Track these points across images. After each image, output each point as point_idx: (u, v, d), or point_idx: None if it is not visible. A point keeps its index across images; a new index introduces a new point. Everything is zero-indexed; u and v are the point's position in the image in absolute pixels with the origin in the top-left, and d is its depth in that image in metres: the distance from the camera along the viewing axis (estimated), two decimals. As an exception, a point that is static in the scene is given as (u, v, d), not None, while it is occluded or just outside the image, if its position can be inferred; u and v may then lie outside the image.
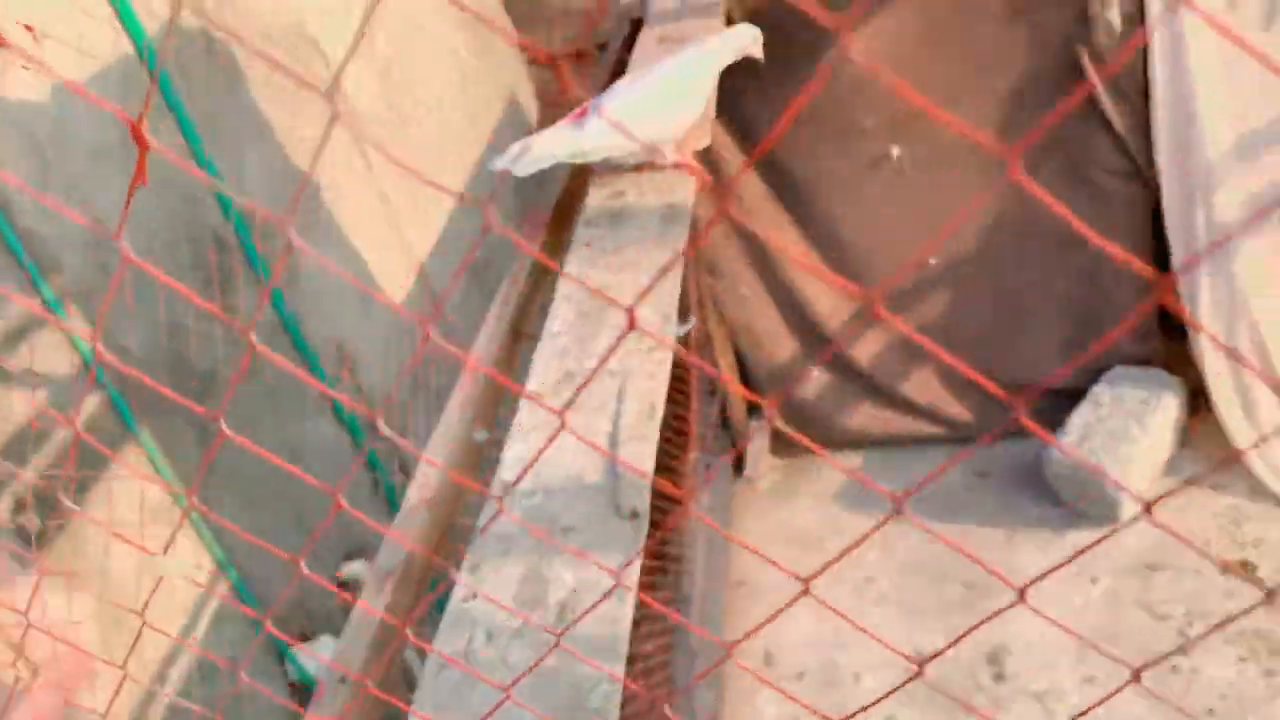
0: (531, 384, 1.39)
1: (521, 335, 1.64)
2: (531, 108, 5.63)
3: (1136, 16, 2.52)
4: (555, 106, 5.68)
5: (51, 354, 2.63)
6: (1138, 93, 2.60)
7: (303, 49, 3.69)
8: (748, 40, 1.97)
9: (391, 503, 3.70)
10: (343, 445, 3.70)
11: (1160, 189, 2.66)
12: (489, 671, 1.03)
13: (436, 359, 4.12)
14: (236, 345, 3.05)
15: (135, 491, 2.69)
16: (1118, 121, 2.64)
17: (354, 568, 3.08)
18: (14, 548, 2.42)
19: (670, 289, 1.53)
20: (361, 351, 3.78)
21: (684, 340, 2.11)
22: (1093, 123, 2.68)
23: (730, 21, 2.56)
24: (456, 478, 1.33)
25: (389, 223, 4.16)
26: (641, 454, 1.23)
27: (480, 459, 1.47)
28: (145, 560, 2.67)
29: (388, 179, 4.14)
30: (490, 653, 1.04)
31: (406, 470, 3.74)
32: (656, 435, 1.25)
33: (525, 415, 1.33)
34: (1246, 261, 2.62)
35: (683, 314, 2.66)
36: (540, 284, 1.76)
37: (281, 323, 3.40)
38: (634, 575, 1.08)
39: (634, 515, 1.15)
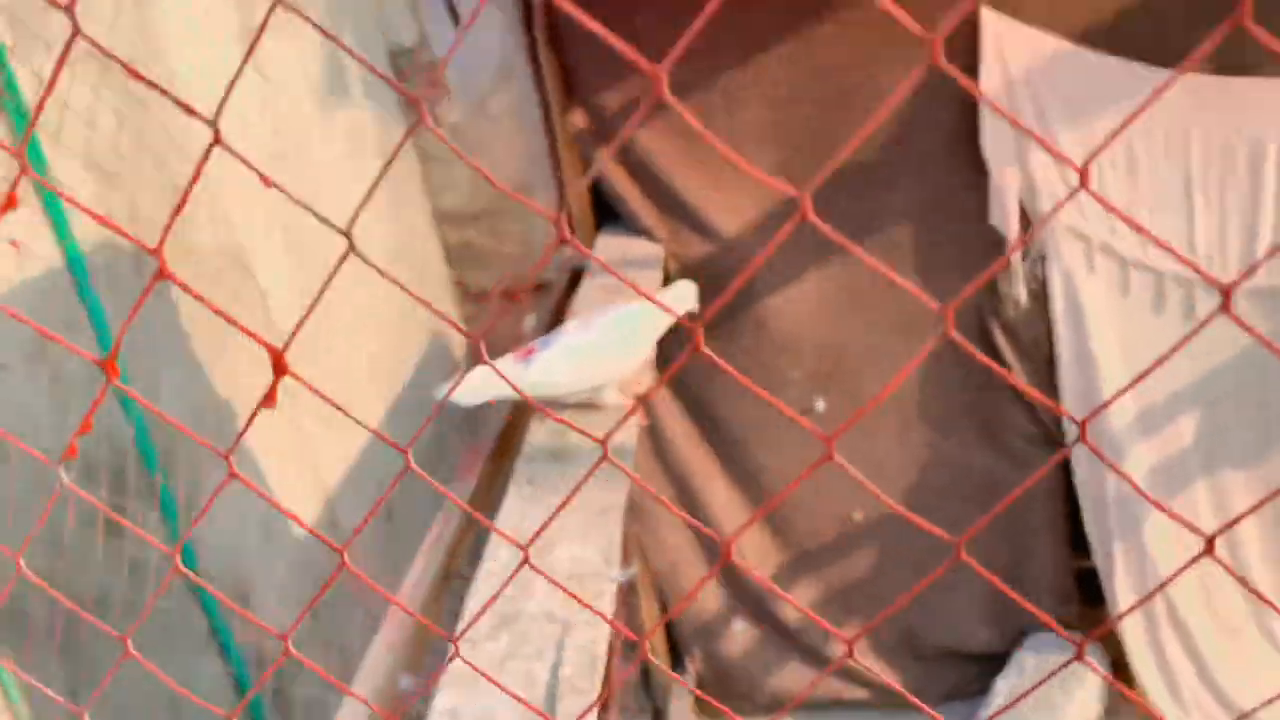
0: (462, 628, 1.29)
1: (451, 575, 1.55)
2: (458, 343, 5.70)
3: (1041, 293, 2.71)
4: (483, 341, 5.74)
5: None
6: (1045, 363, 2.75)
7: (235, 274, 3.71)
8: (689, 298, 2.07)
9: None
10: (227, 692, 3.38)
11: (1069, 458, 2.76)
12: None
13: (337, 601, 3.88)
14: (120, 568, 2.82)
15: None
16: (1028, 390, 2.78)
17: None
18: None
19: (613, 531, 1.48)
20: (259, 587, 3.54)
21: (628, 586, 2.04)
22: (1007, 391, 2.81)
23: (667, 275, 2.68)
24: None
25: (301, 453, 4.04)
26: (581, 711, 1.13)
27: (405, 711, 1.34)
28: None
29: (305, 409, 4.06)
30: None
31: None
32: (599, 690, 1.16)
33: (457, 661, 1.22)
34: (1153, 532, 2.70)
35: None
36: (474, 522, 1.69)
37: (180, 553, 3.19)
38: None
39: (577, 781, 1.04)
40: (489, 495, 1.76)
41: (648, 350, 1.86)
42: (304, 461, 4.06)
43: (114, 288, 2.99)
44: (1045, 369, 2.76)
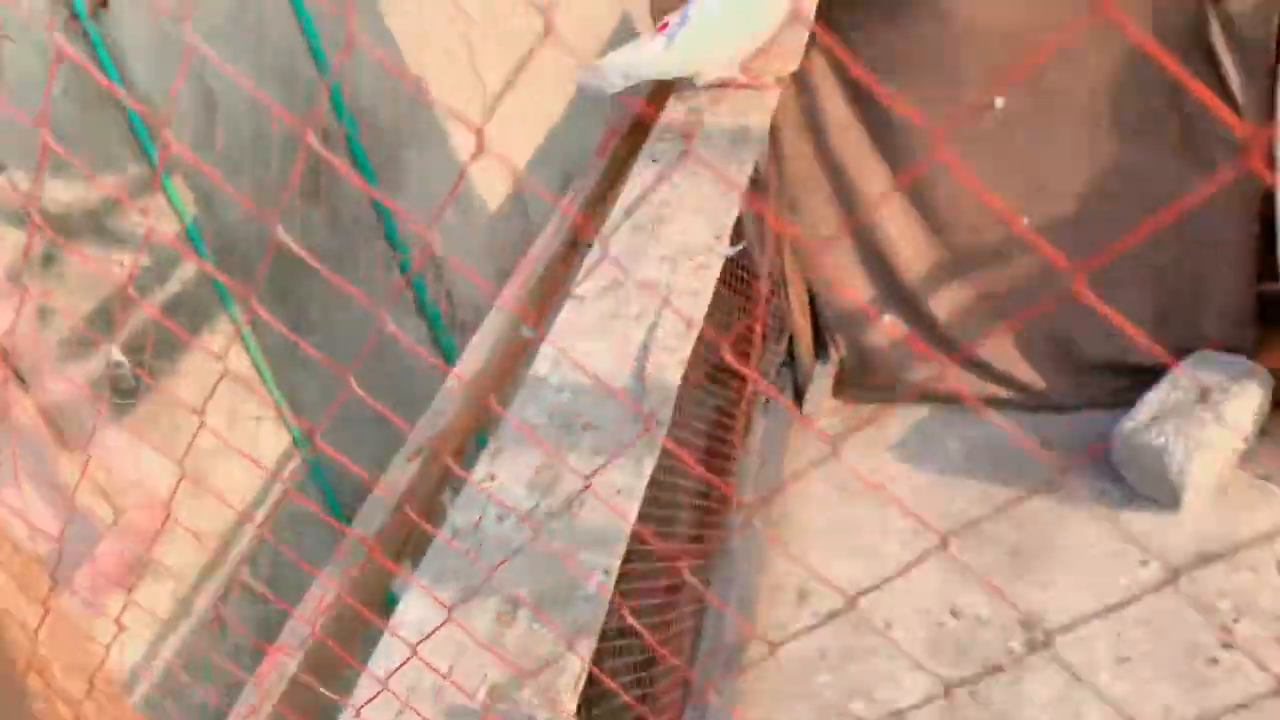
0: (578, 288, 1.42)
1: (579, 244, 1.67)
2: (645, 16, 5.58)
3: (1277, -16, 2.37)
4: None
5: (157, 220, 2.78)
6: (1266, 66, 2.45)
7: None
8: None
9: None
10: (424, 340, 3.82)
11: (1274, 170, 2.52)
12: (495, 549, 1.09)
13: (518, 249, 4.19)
14: (332, 231, 3.16)
15: (229, 356, 2.84)
16: (1240, 95, 2.50)
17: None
18: (110, 398, 2.59)
19: (726, 208, 1.53)
20: (455, 256, 3.87)
21: (738, 261, 2.10)
22: (1214, 93, 2.54)
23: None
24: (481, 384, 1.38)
25: (491, 125, 4.21)
26: (668, 365, 1.25)
27: (524, 354, 1.51)
28: (227, 427, 2.82)
29: (491, 75, 4.18)
30: (498, 531, 1.10)
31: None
32: (689, 350, 1.27)
33: (566, 314, 1.37)
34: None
35: (754, 240, 2.64)
36: (607, 194, 1.78)
37: (378, 220, 3.51)
38: (642, 480, 1.12)
39: (654, 422, 1.18)
40: (625, 169, 1.83)
41: (779, 14, 1.78)
42: (495, 139, 4.24)
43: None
44: (1263, 72, 2.46)
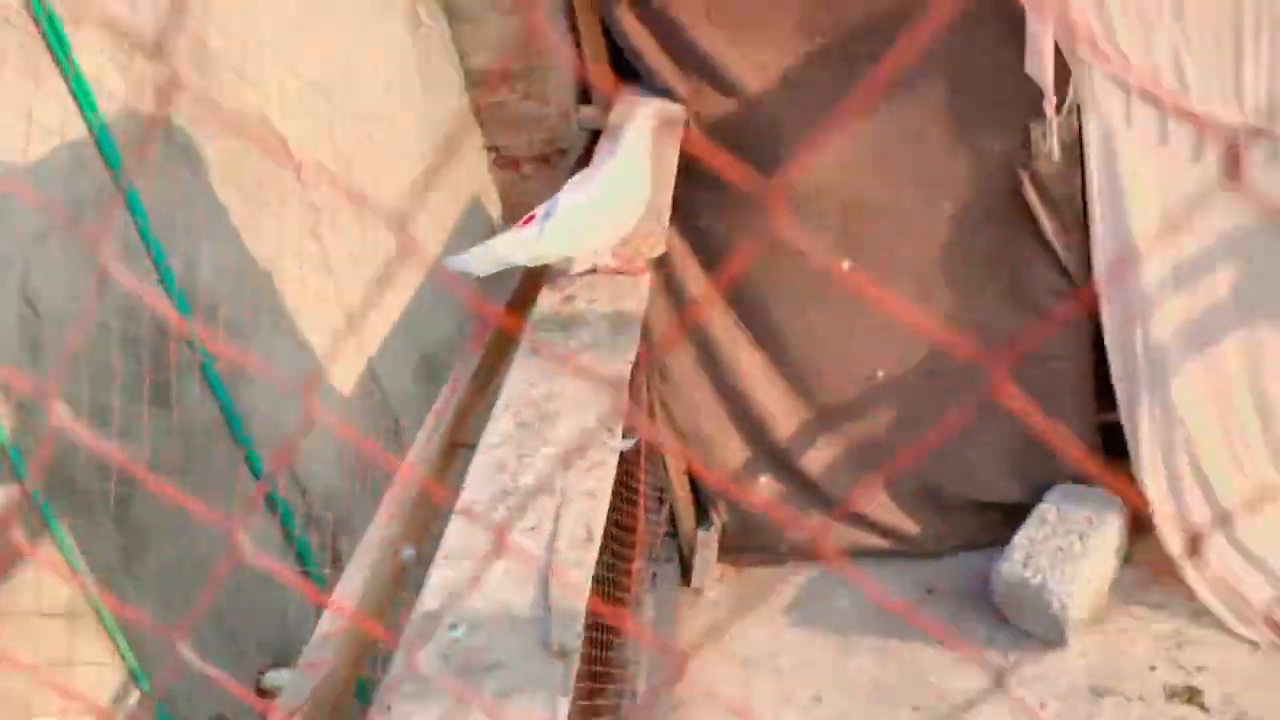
0: (464, 500, 1.35)
1: (458, 445, 1.60)
2: (495, 209, 5.68)
3: (1075, 146, 2.61)
4: (520, 208, 5.72)
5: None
6: (1077, 220, 2.68)
7: (267, 140, 3.70)
8: (650, 118, 1.91)
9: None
10: (277, 541, 3.57)
11: (1100, 311, 2.72)
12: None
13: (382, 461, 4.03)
14: (167, 439, 2.95)
15: (48, 587, 2.55)
16: (1059, 246, 2.72)
17: (279, 676, 2.93)
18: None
19: (614, 399, 1.50)
20: (306, 446, 3.68)
21: (630, 453, 2.08)
22: (1034, 245, 2.75)
23: (688, 136, 2.62)
24: (363, 624, 1.26)
25: (341, 313, 4.12)
26: (576, 584, 1.18)
27: (405, 578, 1.41)
28: (48, 662, 2.51)
29: (344, 270, 4.12)
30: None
31: (342, 566, 3.61)
32: (593, 563, 1.21)
33: (454, 536, 1.28)
34: (1181, 387, 2.67)
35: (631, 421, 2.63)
36: (484, 390, 1.73)
37: (223, 417, 3.31)
38: None
39: (563, 654, 1.10)
40: (497, 364, 1.79)
41: (643, 202, 1.83)
42: (346, 325, 4.14)
43: (143, 161, 3.01)
44: (1077, 224, 2.69)
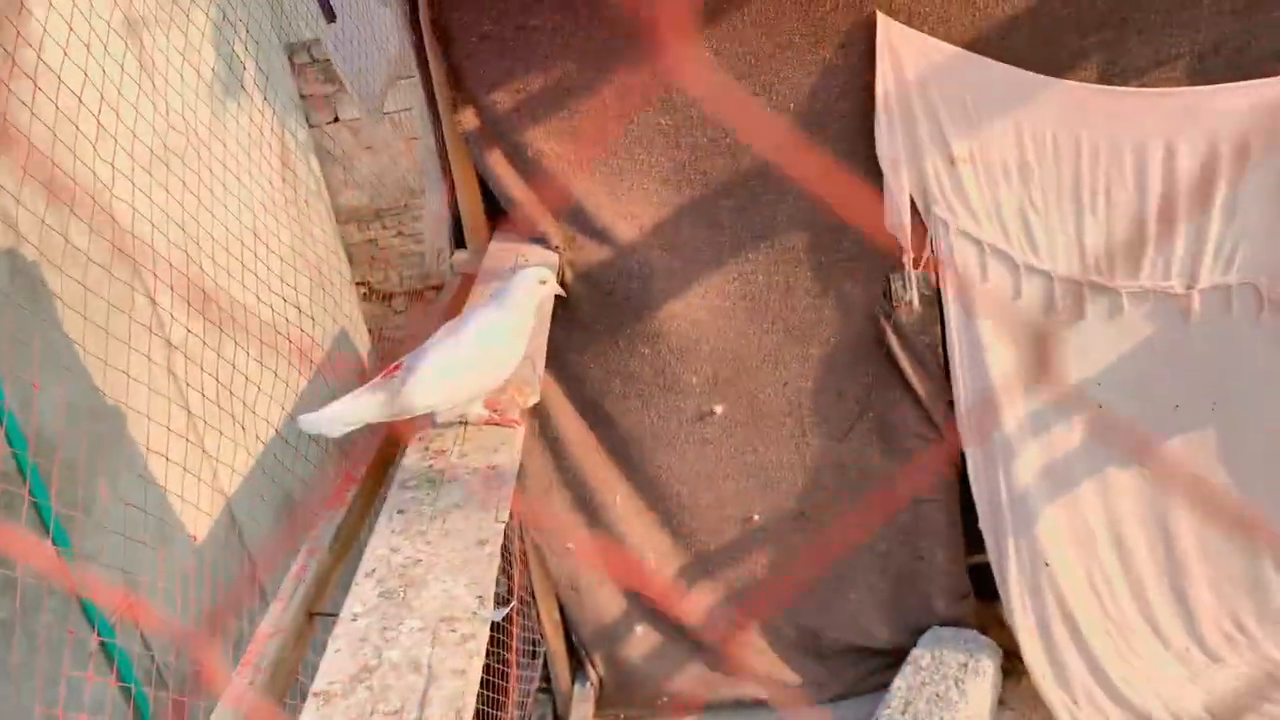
0: (320, 680, 1.23)
1: (315, 614, 1.48)
2: (364, 343, 5.56)
3: (935, 297, 2.73)
4: (389, 343, 5.63)
5: None
6: (938, 367, 2.78)
7: (123, 275, 3.53)
8: (539, 281, 1.83)
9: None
10: (113, 697, 3.24)
11: (963, 454, 2.80)
12: None
13: (235, 604, 3.76)
14: (4, 590, 2.67)
15: None
16: (922, 392, 2.80)
17: None
18: None
19: (486, 563, 1.42)
20: (157, 593, 3.39)
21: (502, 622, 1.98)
22: (899, 391, 2.83)
23: (563, 283, 2.62)
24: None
25: (198, 452, 3.88)
26: (442, 772, 1.08)
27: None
28: None
29: (198, 406, 3.91)
30: None
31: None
32: (461, 749, 1.11)
33: (309, 718, 1.16)
34: (1045, 528, 2.76)
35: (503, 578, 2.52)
36: (346, 552, 1.61)
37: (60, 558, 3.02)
38: None
39: None
40: (361, 522, 1.69)
41: (517, 357, 1.78)
42: (202, 465, 3.91)
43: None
44: (939, 371, 2.79)
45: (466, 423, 1.80)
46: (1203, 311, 2.64)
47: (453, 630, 1.31)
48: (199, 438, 3.86)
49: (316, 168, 5.45)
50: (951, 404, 2.79)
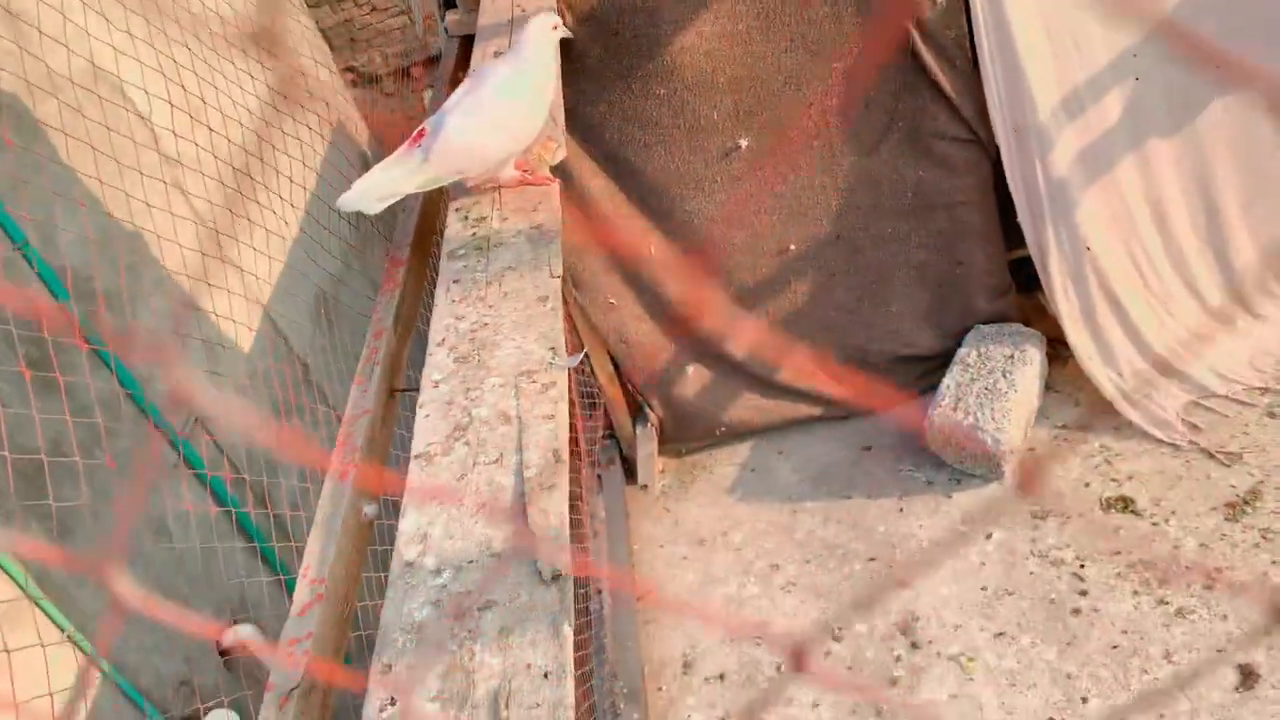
0: (418, 444, 1.29)
1: (395, 390, 1.53)
2: (361, 131, 5.41)
3: (957, -13, 2.58)
4: (385, 127, 5.48)
5: None
6: (967, 63, 2.67)
7: (105, 92, 3.41)
8: (552, 27, 1.78)
9: (272, 565, 3.47)
10: (207, 511, 3.45)
11: (999, 151, 2.74)
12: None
13: (293, 406, 3.90)
14: (64, 425, 2.78)
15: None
16: (951, 91, 2.71)
17: (240, 631, 2.86)
18: None
19: (550, 317, 1.45)
20: (214, 406, 3.52)
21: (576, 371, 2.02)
22: (928, 95, 2.73)
23: (564, 22, 2.49)
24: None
25: (226, 265, 3.90)
26: (553, 507, 1.15)
27: (372, 534, 1.35)
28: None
29: (219, 220, 3.88)
30: (421, 759, 0.95)
31: (284, 529, 3.52)
32: (567, 485, 1.17)
33: (416, 477, 1.23)
34: (1084, 213, 2.74)
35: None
36: (409, 334, 1.64)
37: (123, 389, 3.13)
38: (569, 651, 1.00)
39: (556, 578, 1.07)
40: (417, 300, 1.70)
41: (542, 111, 1.71)
42: (240, 279, 3.94)
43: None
44: (968, 66, 2.68)
45: (500, 187, 1.77)
46: (1243, -42, 2.48)
47: (533, 381, 1.34)
48: (220, 250, 3.86)
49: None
50: (983, 102, 2.71)
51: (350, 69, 5.49)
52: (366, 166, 5.11)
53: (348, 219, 4.59)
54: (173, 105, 3.65)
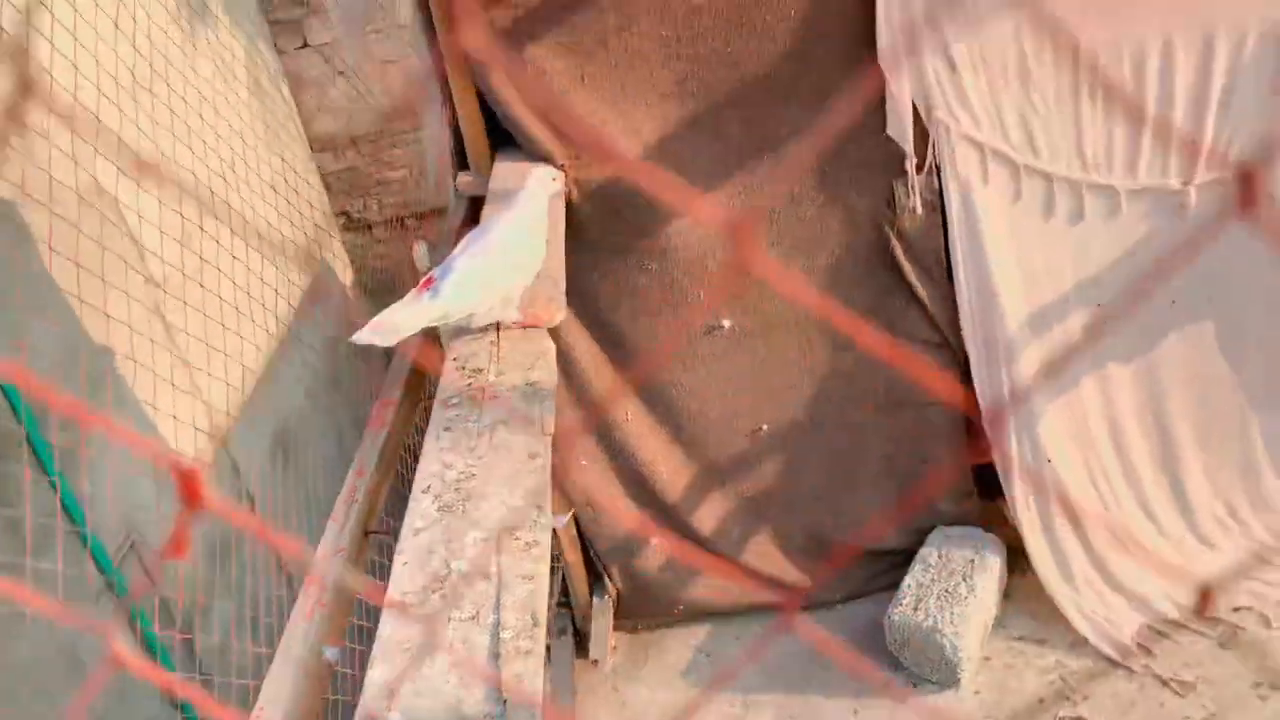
0: (394, 592, 1.26)
1: (369, 533, 1.50)
2: (344, 273, 5.50)
3: (937, 202, 2.75)
4: (372, 273, 5.57)
5: None
6: (943, 274, 2.81)
7: (101, 210, 3.46)
8: (550, 179, 2.00)
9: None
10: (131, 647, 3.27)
11: (969, 359, 2.85)
12: None
13: (242, 547, 3.78)
14: (12, 537, 2.66)
15: None
16: (927, 299, 2.84)
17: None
18: None
19: (541, 475, 1.45)
20: (156, 538, 3.40)
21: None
22: (903, 298, 2.86)
23: (569, 202, 2.61)
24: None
25: (190, 393, 3.86)
26: (526, 673, 1.11)
27: (332, 680, 1.30)
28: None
29: (191, 347, 3.87)
30: None
31: (207, 673, 3.33)
32: (543, 649, 1.14)
33: (389, 628, 1.19)
34: (1047, 428, 2.83)
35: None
36: (389, 473, 1.63)
37: (63, 509, 3.02)
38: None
39: (528, 747, 1.03)
40: (399, 443, 1.70)
41: (540, 252, 1.84)
42: (194, 399, 3.88)
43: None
44: (943, 276, 2.82)
45: (500, 328, 1.83)
46: (1199, 206, 2.68)
47: (516, 538, 1.33)
48: (191, 377, 3.83)
49: (288, 94, 5.32)
50: (955, 309, 2.83)
51: (345, 213, 5.62)
52: (348, 308, 5.17)
53: (318, 356, 4.59)
54: (163, 232, 3.71)
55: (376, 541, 1.50)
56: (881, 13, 2.50)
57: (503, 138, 2.65)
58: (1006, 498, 2.90)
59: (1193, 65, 2.56)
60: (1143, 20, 2.54)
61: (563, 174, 2.61)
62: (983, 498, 3.09)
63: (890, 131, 2.65)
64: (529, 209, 1.85)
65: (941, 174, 2.71)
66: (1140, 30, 2.55)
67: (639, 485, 3.00)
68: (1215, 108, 2.60)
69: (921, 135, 2.65)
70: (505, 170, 2.54)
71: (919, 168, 2.70)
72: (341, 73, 5.35)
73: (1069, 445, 2.86)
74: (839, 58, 2.57)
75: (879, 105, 2.63)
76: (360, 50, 4.96)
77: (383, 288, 5.44)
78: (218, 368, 3.99)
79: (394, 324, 1.63)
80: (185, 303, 3.82)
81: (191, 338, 3.83)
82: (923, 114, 2.63)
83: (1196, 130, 2.64)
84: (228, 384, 4.01)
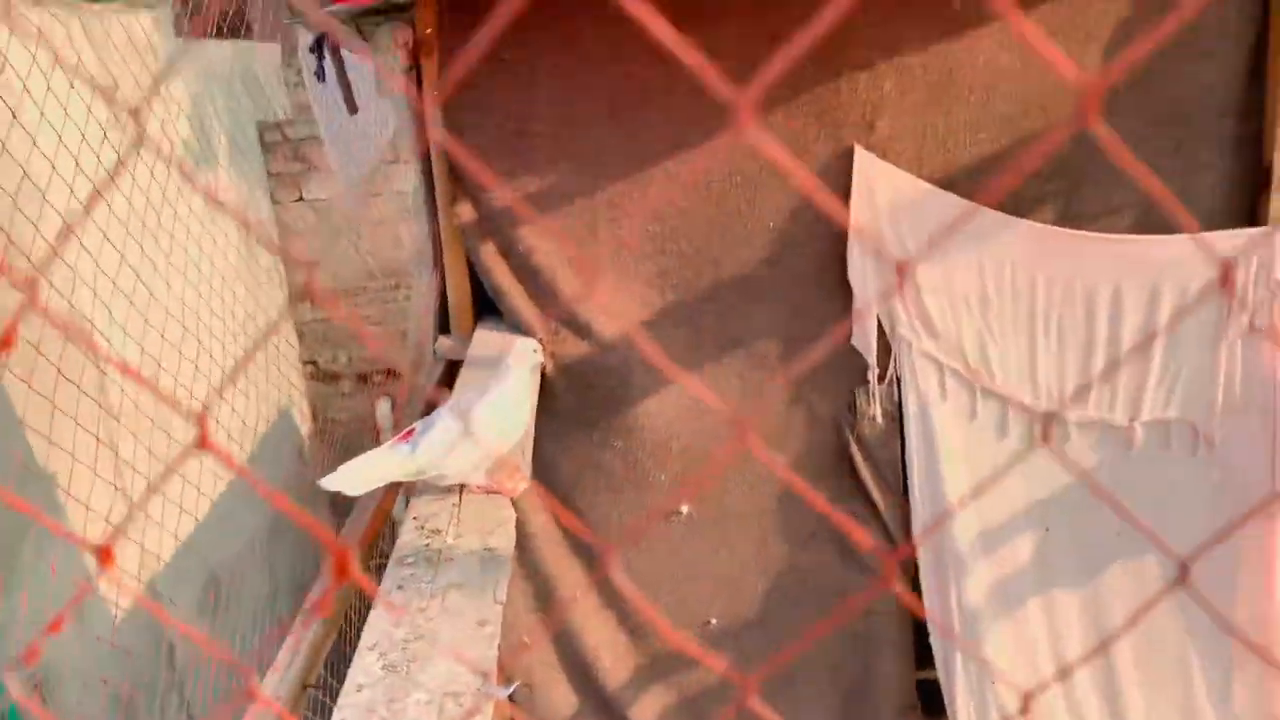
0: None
1: (306, 686, 1.46)
2: (304, 420, 5.49)
3: (896, 413, 2.85)
4: (333, 424, 5.56)
5: None
6: (898, 481, 2.88)
7: (76, 345, 3.47)
8: (534, 350, 2.13)
9: None
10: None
11: (918, 570, 2.88)
12: None
13: (152, 690, 3.59)
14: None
15: None
16: (881, 503, 2.89)
17: None
18: None
19: (489, 644, 1.43)
20: (68, 672, 3.23)
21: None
22: (861, 503, 2.91)
23: (544, 374, 2.67)
24: None
25: (128, 527, 3.76)
26: None
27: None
28: None
29: (134, 483, 3.80)
30: None
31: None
32: (478, 823, 1.11)
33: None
34: (993, 648, 2.83)
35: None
36: (335, 628, 1.60)
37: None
38: None
39: None
40: (343, 599, 1.67)
41: (522, 424, 1.89)
42: (129, 536, 3.78)
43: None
44: (898, 485, 2.88)
45: (463, 490, 1.84)
46: (1144, 443, 2.80)
47: (459, 705, 1.31)
48: (128, 516, 3.74)
49: (277, 242, 5.46)
50: (909, 518, 2.88)
51: (313, 362, 5.67)
52: (302, 456, 5.12)
53: (264, 504, 4.51)
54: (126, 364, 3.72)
55: (312, 699, 1.45)
56: (853, 234, 2.67)
57: (484, 306, 2.74)
58: (949, 717, 2.85)
59: (1141, 311, 2.74)
60: (1093, 269, 2.74)
61: (542, 347, 2.69)
62: (925, 713, 3.04)
63: (855, 342, 2.78)
64: (516, 381, 1.91)
65: (902, 385, 2.82)
66: (1094, 275, 2.74)
67: (581, 670, 2.93)
68: (1159, 354, 2.77)
69: (884, 348, 2.78)
70: (485, 338, 2.62)
71: (880, 378, 2.81)
72: (334, 229, 5.54)
73: (1014, 668, 2.85)
74: (812, 267, 2.73)
75: (846, 313, 2.77)
76: (356, 210, 5.15)
77: (340, 440, 5.43)
78: (160, 507, 3.91)
79: (367, 472, 1.65)
80: (135, 436, 3.78)
81: (138, 474, 3.77)
82: (886, 329, 2.77)
83: (1142, 372, 2.79)
84: (162, 526, 3.92)
